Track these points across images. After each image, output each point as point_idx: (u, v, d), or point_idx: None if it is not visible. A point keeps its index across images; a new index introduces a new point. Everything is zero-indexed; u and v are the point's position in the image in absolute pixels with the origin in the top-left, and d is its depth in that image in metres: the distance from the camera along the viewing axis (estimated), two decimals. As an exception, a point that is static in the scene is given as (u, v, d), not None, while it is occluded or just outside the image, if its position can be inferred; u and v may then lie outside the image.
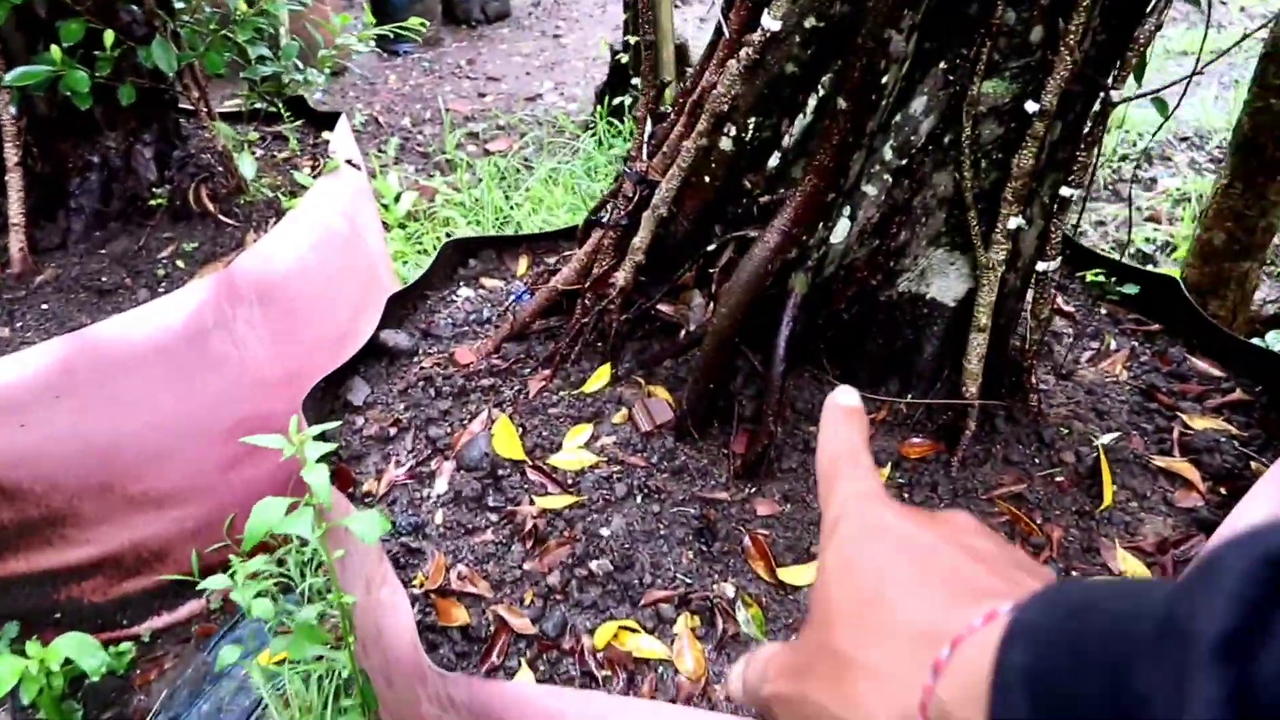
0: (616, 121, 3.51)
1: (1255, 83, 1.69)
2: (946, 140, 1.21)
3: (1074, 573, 1.23)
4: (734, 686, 0.49)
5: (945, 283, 1.32)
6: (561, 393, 1.45)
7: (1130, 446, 1.38)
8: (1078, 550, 1.26)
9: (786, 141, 1.28)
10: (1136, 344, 1.65)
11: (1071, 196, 1.26)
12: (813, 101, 1.23)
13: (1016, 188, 1.21)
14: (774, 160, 1.30)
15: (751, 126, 1.28)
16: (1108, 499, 1.30)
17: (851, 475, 0.47)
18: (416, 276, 1.73)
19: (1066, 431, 1.38)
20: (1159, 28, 1.15)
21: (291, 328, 1.92)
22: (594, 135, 3.56)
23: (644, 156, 1.41)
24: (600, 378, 1.45)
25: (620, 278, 1.42)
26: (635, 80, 3.41)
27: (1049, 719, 0.29)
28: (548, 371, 1.48)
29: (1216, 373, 1.58)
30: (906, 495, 1.29)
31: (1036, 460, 1.35)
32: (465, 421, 1.41)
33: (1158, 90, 1.31)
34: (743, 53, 1.24)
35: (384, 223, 3.18)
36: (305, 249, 1.95)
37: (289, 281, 1.90)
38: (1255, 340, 2.03)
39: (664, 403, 1.38)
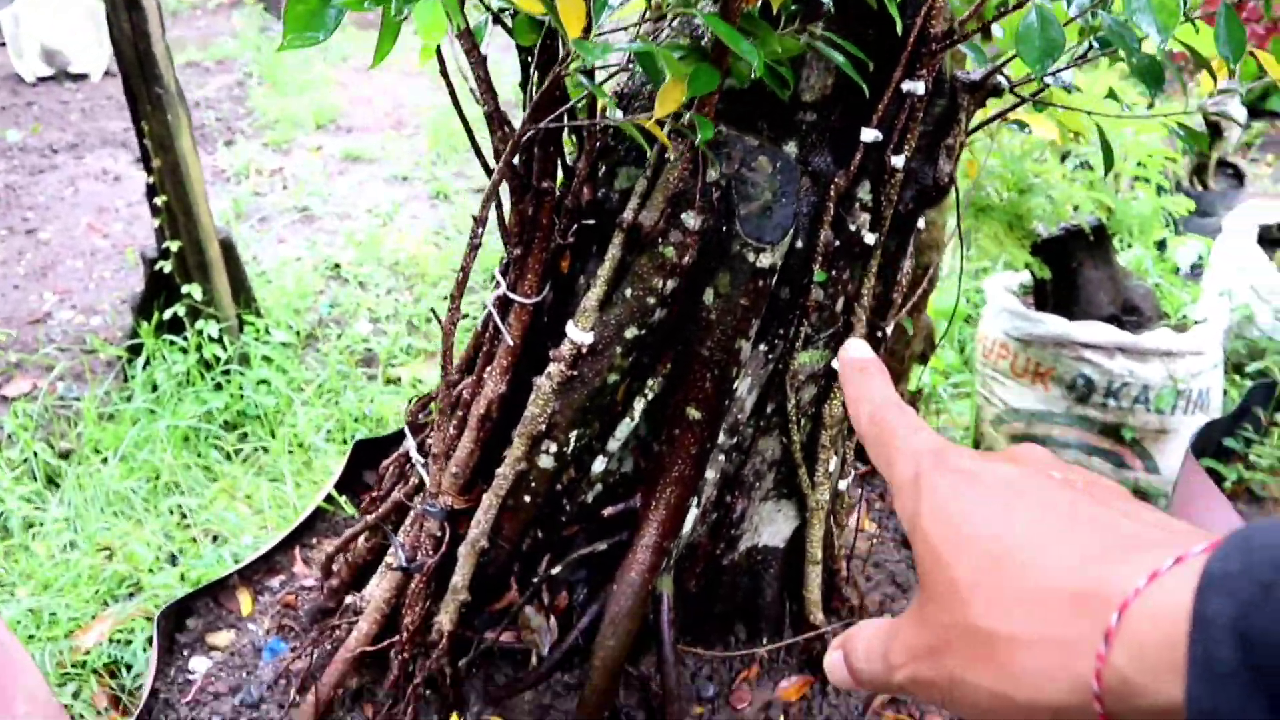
0: (175, 338, 3.10)
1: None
2: (769, 410, 1.24)
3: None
4: (840, 674, 0.46)
5: (775, 528, 1.35)
6: (412, 771, 1.26)
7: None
8: (955, 734, 1.35)
9: (612, 445, 1.22)
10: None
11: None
12: (640, 405, 1.19)
13: (832, 434, 1.28)
14: (600, 465, 1.24)
15: (573, 439, 1.20)
16: (954, 673, 1.41)
17: (907, 427, 0.46)
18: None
19: (890, 616, 1.48)
20: (913, 269, 1.27)
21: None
22: (149, 358, 3.11)
23: (443, 488, 1.26)
24: (452, 737, 1.28)
25: (445, 622, 1.26)
26: (187, 288, 3.05)
27: (1267, 665, 0.28)
28: (384, 751, 1.27)
29: (938, 501, 1.78)
30: (811, 747, 1.30)
31: (882, 657, 1.42)
32: None
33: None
34: (553, 369, 1.16)
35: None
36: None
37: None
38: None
39: (544, 745, 1.25)
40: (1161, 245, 3.14)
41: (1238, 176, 3.60)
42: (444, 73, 1.05)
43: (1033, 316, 2.25)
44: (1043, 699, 0.35)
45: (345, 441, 2.93)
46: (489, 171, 1.15)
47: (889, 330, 1.29)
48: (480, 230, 1.03)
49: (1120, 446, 2.27)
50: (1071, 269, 2.29)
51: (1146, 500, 2.33)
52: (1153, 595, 0.32)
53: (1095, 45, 0.99)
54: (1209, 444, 2.02)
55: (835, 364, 0.54)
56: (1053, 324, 2.22)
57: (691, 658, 1.36)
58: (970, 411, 2.95)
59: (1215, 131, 3.33)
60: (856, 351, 0.52)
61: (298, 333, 3.41)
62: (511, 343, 1.21)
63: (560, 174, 1.17)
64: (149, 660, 1.42)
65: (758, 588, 1.38)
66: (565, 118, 1.01)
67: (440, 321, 1.09)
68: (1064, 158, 2.62)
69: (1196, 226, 3.31)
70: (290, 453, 2.86)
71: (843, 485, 1.40)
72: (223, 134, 5.42)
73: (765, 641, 1.39)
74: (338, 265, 3.89)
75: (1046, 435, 2.31)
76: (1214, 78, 1.11)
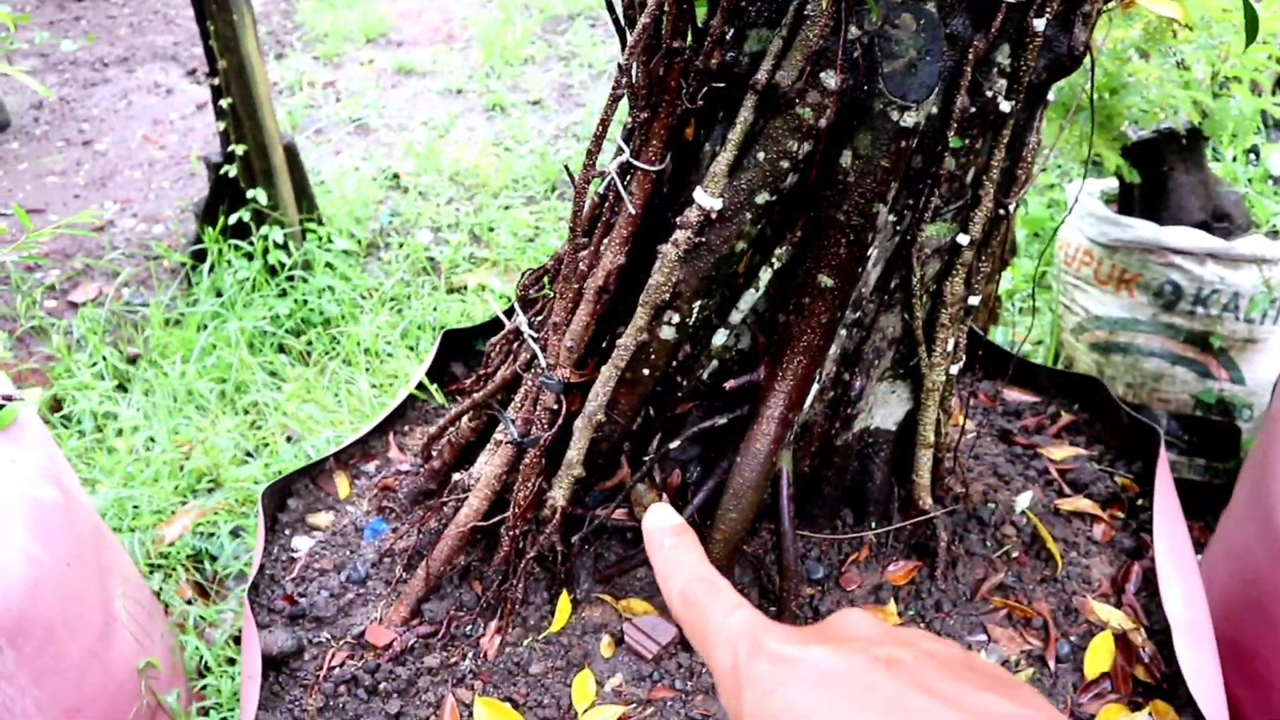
0: (240, 243, 3.10)
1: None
2: (893, 284, 1.21)
3: (1071, 637, 1.31)
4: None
5: (888, 410, 1.34)
6: (525, 642, 1.27)
7: (1039, 499, 1.50)
8: (1064, 617, 1.34)
9: (734, 318, 1.21)
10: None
11: (975, 304, 1.32)
12: (766, 275, 1.17)
13: (951, 313, 1.25)
14: (720, 338, 1.22)
15: (695, 310, 1.19)
16: (1060, 561, 1.40)
17: (720, 606, 0.44)
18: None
19: (993, 506, 1.47)
20: (1039, 143, 1.23)
21: (60, 656, 1.47)
22: (214, 264, 3.12)
23: (561, 362, 1.25)
24: (564, 611, 1.28)
25: (558, 497, 1.26)
26: (252, 193, 3.04)
27: None
28: (497, 622, 1.28)
29: (1033, 399, 1.76)
30: (922, 624, 1.30)
31: (988, 544, 1.42)
32: (450, 724, 1.18)
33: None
34: (679, 236, 1.14)
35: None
36: (29, 546, 1.50)
37: (40, 596, 1.45)
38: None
39: (658, 619, 1.25)
40: (1251, 154, 3.05)
41: (1321, 90, 3.48)
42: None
43: (1121, 221, 2.20)
44: None
45: (413, 348, 2.94)
46: (621, 30, 1.13)
47: (1012, 208, 1.26)
48: (623, 80, 1.01)
49: (1206, 355, 2.23)
50: (1162, 173, 2.23)
51: (1230, 413, 2.29)
52: None
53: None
54: (1306, 350, 1.98)
55: (643, 529, 0.50)
56: (1142, 229, 2.16)
57: (801, 540, 1.35)
58: (1041, 326, 2.91)
59: (1303, 41, 3.21)
60: (664, 519, 0.49)
61: (359, 241, 3.41)
62: (633, 211, 1.19)
63: (689, 37, 1.13)
64: (258, 537, 1.44)
65: (867, 471, 1.37)
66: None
67: (573, 179, 1.07)
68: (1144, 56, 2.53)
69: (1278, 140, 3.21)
70: (365, 353, 2.87)
71: (954, 369, 1.38)
72: (273, 47, 5.37)
73: (873, 526, 1.38)
74: (397, 175, 3.87)
75: (1129, 343, 2.27)
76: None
